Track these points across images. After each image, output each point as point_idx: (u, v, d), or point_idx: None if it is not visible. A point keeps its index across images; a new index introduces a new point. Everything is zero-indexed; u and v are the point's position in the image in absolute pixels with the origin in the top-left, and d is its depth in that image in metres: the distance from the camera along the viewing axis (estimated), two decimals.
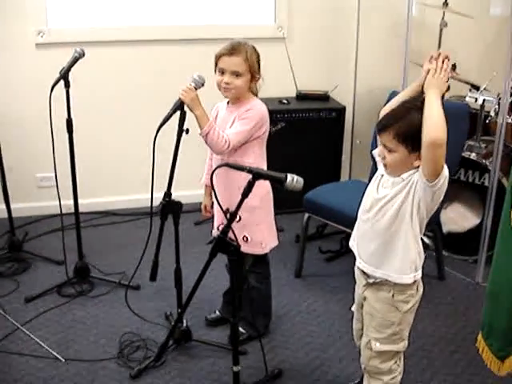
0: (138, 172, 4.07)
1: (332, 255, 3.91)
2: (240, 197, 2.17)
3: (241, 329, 3.04)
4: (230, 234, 2.20)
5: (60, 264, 3.69)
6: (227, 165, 2.22)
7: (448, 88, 2.18)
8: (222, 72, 2.70)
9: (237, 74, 2.68)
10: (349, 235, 2.48)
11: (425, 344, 3.06)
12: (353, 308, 2.56)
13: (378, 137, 2.20)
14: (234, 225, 2.71)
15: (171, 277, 2.93)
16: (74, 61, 3.17)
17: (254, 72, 2.70)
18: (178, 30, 4.33)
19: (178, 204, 2.73)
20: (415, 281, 2.28)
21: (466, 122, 3.40)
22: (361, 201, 2.36)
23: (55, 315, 3.26)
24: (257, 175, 2.12)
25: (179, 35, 4.31)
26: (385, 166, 2.20)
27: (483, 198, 3.67)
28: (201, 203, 3.12)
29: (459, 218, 3.86)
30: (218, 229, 2.90)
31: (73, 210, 3.49)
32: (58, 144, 3.24)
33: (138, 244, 2.97)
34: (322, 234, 4.14)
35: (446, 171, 2.08)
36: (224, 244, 2.19)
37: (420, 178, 2.10)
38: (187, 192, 4.51)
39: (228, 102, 2.84)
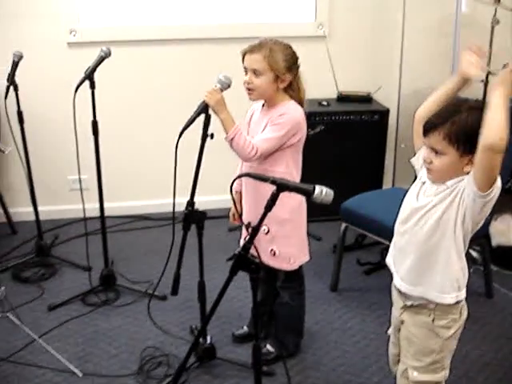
0: (170, 175, 3.91)
1: (371, 267, 3.68)
2: (271, 218, 1.99)
3: (270, 347, 2.86)
4: (253, 250, 2.01)
5: (88, 270, 3.56)
6: (248, 175, 2.02)
7: None
8: (246, 71, 2.52)
9: (256, 73, 2.50)
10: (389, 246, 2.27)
11: (468, 371, 2.80)
12: (389, 331, 2.34)
13: (423, 139, 1.98)
14: (262, 237, 2.54)
15: None
16: (100, 61, 3.05)
17: (277, 71, 2.49)
18: (208, 29, 4.16)
19: (202, 214, 2.55)
20: (458, 302, 2.05)
21: None
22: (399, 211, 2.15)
23: (77, 325, 3.13)
24: (281, 186, 1.92)
25: (210, 34, 4.15)
26: (430, 171, 1.99)
27: None
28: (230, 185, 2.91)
29: (509, 231, 3.58)
30: (244, 239, 2.70)
31: (108, 214, 3.39)
32: (89, 146, 3.15)
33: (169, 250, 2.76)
34: (361, 244, 3.91)
35: (499, 182, 1.87)
36: (245, 261, 2.00)
37: (469, 187, 1.88)
38: (224, 196, 4.38)
39: (263, 104, 2.64)
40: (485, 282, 3.39)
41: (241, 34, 3.92)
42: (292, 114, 2.52)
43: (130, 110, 4.21)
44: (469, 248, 3.51)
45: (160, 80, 4.18)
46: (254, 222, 2.52)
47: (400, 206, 2.16)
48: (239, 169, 2.77)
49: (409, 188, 2.15)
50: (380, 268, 3.69)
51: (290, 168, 2.59)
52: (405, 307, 2.14)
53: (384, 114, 4.15)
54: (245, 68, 2.54)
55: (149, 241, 4.04)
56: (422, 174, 2.06)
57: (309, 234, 2.81)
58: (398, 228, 2.13)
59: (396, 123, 4.34)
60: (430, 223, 1.98)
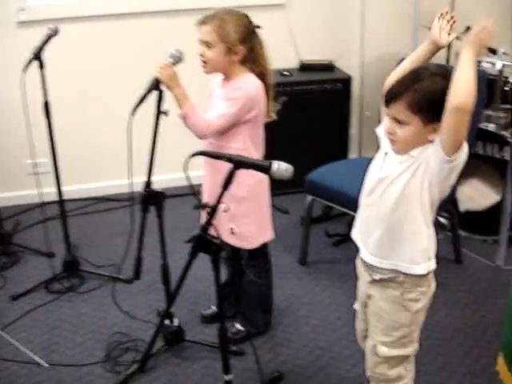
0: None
1: (340, 239, 3.63)
2: (229, 195, 1.93)
3: (239, 326, 2.80)
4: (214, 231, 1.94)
5: (51, 257, 3.46)
6: (203, 153, 1.94)
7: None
8: (200, 44, 2.43)
9: (208, 45, 2.40)
10: None
11: (440, 339, 2.78)
12: (355, 306, 2.29)
13: (384, 110, 1.92)
14: (222, 215, 2.47)
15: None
16: (47, 39, 2.93)
17: (228, 43, 2.39)
18: (160, 1, 4.01)
19: (161, 194, 2.46)
20: (429, 272, 2.01)
21: (483, 89, 3.07)
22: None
23: (41, 314, 3.03)
24: (238, 164, 1.85)
25: (162, 6, 4.00)
26: (393, 142, 1.92)
27: (503, 173, 3.37)
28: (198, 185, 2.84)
29: (477, 195, 3.55)
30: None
31: (68, 197, 3.26)
32: (44, 128, 3.04)
33: (133, 231, 2.72)
34: (329, 215, 3.85)
35: (465, 146, 1.82)
36: (204, 242, 1.93)
37: (435, 153, 1.82)
38: (192, 172, 4.28)
39: (223, 78, 2.55)
40: (454, 247, 3.37)
41: (195, 4, 3.79)
42: (246, 87, 2.43)
43: (83, 88, 4.05)
44: (437, 214, 3.50)
45: (112, 56, 4.03)
46: (214, 197, 2.47)
47: (363, 175, 2.11)
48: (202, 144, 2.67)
49: (373, 158, 2.09)
50: (348, 239, 3.57)
51: (248, 144, 2.50)
52: (372, 281, 2.08)
53: (347, 81, 4.08)
54: (199, 40, 2.44)
55: (112, 223, 3.94)
56: (385, 145, 2.00)
57: (276, 208, 2.75)
58: (363, 200, 2.07)
59: (359, 91, 4.26)
60: (395, 193, 1.93)
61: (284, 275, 3.28)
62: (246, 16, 2.47)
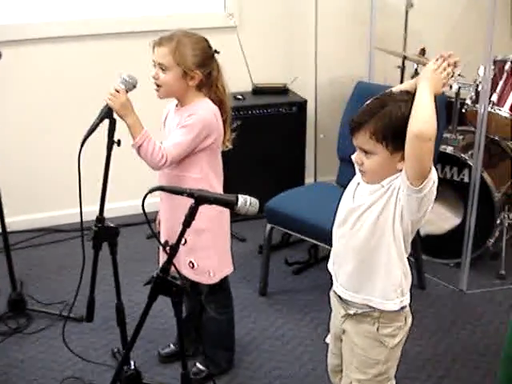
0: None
1: (300, 267, 3.53)
2: (199, 239, 1.79)
3: (200, 365, 2.65)
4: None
5: None
6: (162, 189, 1.79)
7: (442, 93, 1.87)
8: (154, 66, 2.30)
9: (162, 68, 2.27)
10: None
11: (409, 370, 2.69)
12: (327, 339, 2.17)
13: (353, 140, 1.83)
14: (181, 248, 2.33)
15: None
16: None
17: (184, 67, 2.26)
18: (111, 23, 3.85)
19: (114, 230, 2.30)
20: (402, 308, 1.92)
21: (444, 112, 3.05)
22: (331, 211, 2.00)
23: None
24: (200, 199, 1.71)
25: (114, 28, 3.84)
26: (362, 172, 1.84)
27: (463, 196, 3.34)
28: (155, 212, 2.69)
29: (437, 219, 3.50)
30: (164, 250, 2.48)
31: (12, 229, 3.04)
32: None
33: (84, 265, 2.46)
34: (287, 242, 3.74)
35: (434, 175, 1.73)
36: (165, 284, 1.78)
37: (403, 183, 1.74)
38: (137, 201, 4.11)
39: (177, 104, 2.41)
40: (417, 273, 3.29)
41: (147, 27, 3.67)
42: (201, 114, 2.30)
43: (29, 115, 3.85)
44: None
45: (60, 81, 3.84)
46: (173, 231, 2.33)
47: (330, 202, 2.02)
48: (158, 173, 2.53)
49: (339, 180, 2.00)
50: (309, 267, 3.55)
51: (206, 172, 2.37)
52: (347, 316, 1.98)
53: (302, 105, 4.00)
54: (153, 62, 2.31)
55: (60, 256, 3.72)
56: (358, 175, 1.90)
57: (232, 235, 2.63)
58: (335, 232, 1.97)
59: (314, 114, 4.19)
60: (366, 225, 1.84)
61: (244, 307, 3.14)
62: (205, 39, 2.35)
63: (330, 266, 2.04)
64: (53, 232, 4.00)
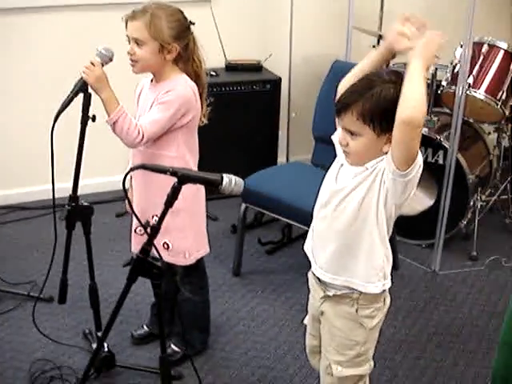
0: (47, 159, 3.53)
1: (273, 247, 3.49)
2: (163, 204, 1.72)
3: (174, 347, 2.60)
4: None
5: None
6: (144, 167, 1.72)
7: None
8: (128, 41, 2.21)
9: (138, 42, 2.19)
10: None
11: (385, 351, 2.69)
12: (305, 321, 2.15)
13: (337, 120, 1.79)
14: (152, 223, 2.28)
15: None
16: None
17: (161, 40, 2.17)
18: None
19: (88, 209, 2.22)
20: (384, 290, 1.90)
21: None
22: (309, 191, 2.00)
23: None
24: (183, 178, 1.66)
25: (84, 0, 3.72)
26: (347, 154, 1.80)
27: (436, 178, 3.34)
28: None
29: (411, 200, 3.48)
30: (135, 231, 2.42)
31: None
32: None
33: (52, 244, 2.38)
34: (260, 221, 3.71)
35: (420, 159, 1.70)
36: (145, 266, 1.72)
37: (388, 166, 1.70)
38: (108, 178, 4.04)
39: (152, 79, 2.33)
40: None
41: None
42: (179, 90, 2.22)
43: None
44: None
45: (32, 55, 3.70)
46: (147, 212, 2.27)
47: (302, 182, 1.98)
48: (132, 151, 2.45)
49: (313, 159, 1.95)
50: (282, 246, 3.52)
51: (182, 151, 2.31)
52: (326, 297, 1.95)
53: (276, 83, 3.93)
54: (127, 37, 2.22)
55: (28, 234, 3.62)
56: (340, 155, 1.86)
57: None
58: (317, 212, 1.93)
59: (288, 92, 4.13)
60: (350, 207, 1.80)
61: (218, 288, 3.11)
62: (180, 11, 2.27)
63: (308, 247, 2.00)
64: (20, 210, 3.89)
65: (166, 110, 2.20)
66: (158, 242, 2.31)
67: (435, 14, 4.30)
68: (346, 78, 1.88)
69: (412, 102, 1.61)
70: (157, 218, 2.29)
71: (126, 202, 1.83)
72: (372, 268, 1.85)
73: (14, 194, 3.94)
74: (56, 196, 2.23)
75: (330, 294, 1.93)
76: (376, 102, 1.69)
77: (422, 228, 3.48)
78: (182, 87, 2.23)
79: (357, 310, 1.90)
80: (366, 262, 1.84)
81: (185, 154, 2.32)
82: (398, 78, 1.73)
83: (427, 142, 3.35)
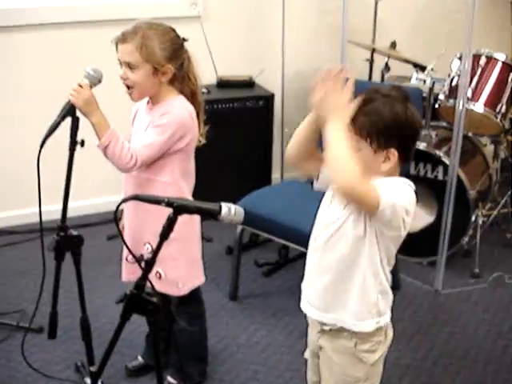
0: (34, 180, 3.42)
1: (270, 268, 3.39)
2: (155, 230, 1.63)
3: (171, 379, 2.49)
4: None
5: None
6: (137, 198, 1.62)
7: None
8: (121, 65, 2.11)
9: (130, 66, 2.08)
10: None
11: (390, 377, 2.58)
12: (306, 354, 2.03)
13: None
14: (146, 256, 2.17)
15: None
16: None
17: (154, 63, 2.07)
18: (70, 11, 3.63)
19: (78, 238, 2.11)
20: (379, 328, 1.79)
21: (419, 108, 2.94)
22: (307, 211, 1.94)
23: None
24: (179, 209, 1.55)
25: (72, 17, 3.62)
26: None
27: (436, 194, 3.26)
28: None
29: (413, 217, 3.41)
30: (126, 259, 2.31)
31: None
32: None
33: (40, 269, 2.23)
34: (256, 242, 3.60)
35: (389, 198, 1.59)
36: (139, 302, 1.62)
37: None
38: (97, 199, 3.94)
39: (148, 101, 2.22)
40: (391, 272, 3.19)
41: (107, 16, 3.49)
42: (176, 113, 2.12)
43: None
44: None
45: (18, 74, 3.61)
46: (139, 238, 2.17)
47: (300, 202, 1.92)
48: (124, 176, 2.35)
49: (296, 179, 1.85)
50: (279, 267, 3.41)
51: (176, 177, 2.20)
52: (322, 331, 1.84)
53: (269, 98, 3.86)
54: (118, 60, 2.12)
55: (15, 260, 3.49)
56: (331, 191, 1.77)
57: None
58: (310, 245, 1.83)
59: (281, 108, 4.05)
60: (341, 241, 1.70)
61: (215, 313, 2.99)
62: (172, 29, 2.17)
63: (303, 283, 1.90)
64: (7, 234, 3.76)
65: (161, 134, 2.10)
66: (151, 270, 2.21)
67: (428, 26, 4.26)
68: (292, 143, 1.77)
69: (337, 172, 1.55)
70: (149, 246, 2.21)
71: (118, 233, 1.72)
72: (364, 305, 1.74)
73: (0, 217, 3.82)
74: (44, 219, 2.12)
75: (327, 328, 1.82)
76: (373, 117, 1.61)
77: (423, 245, 3.38)
78: (178, 110, 2.14)
79: (355, 345, 1.79)
80: (357, 300, 1.73)
81: (178, 180, 2.21)
82: (398, 92, 1.67)
83: (426, 158, 3.27)
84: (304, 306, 1.86)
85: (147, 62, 2.06)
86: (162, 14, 3.24)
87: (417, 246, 3.39)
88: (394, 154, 1.63)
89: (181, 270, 2.27)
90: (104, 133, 2.03)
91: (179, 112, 2.12)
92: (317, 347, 1.89)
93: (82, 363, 2.59)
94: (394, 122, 1.61)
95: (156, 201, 1.56)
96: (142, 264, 1.61)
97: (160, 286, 2.21)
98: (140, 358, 2.62)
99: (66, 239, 2.08)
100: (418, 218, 3.40)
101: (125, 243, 1.72)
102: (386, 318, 1.80)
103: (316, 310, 1.81)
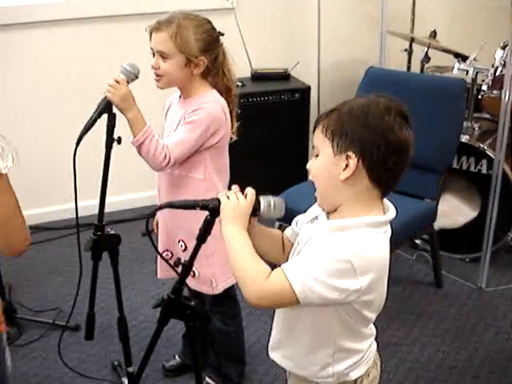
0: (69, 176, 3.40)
1: None
2: (189, 226, 1.59)
3: (209, 380, 2.44)
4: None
5: None
6: (171, 205, 1.54)
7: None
8: (153, 54, 2.05)
9: (163, 56, 2.03)
10: None
11: (435, 379, 2.50)
12: None
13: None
14: (182, 254, 2.13)
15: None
16: None
17: (187, 53, 2.01)
18: (104, 5, 3.59)
19: (115, 238, 2.07)
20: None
21: (463, 100, 2.84)
22: None
23: None
24: (215, 211, 1.49)
25: (107, 11, 3.59)
26: (313, 185, 1.52)
27: (479, 188, 3.14)
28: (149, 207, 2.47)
29: (452, 212, 3.31)
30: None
31: None
32: None
33: (77, 266, 2.17)
34: None
35: (353, 284, 1.32)
36: (177, 307, 1.56)
37: None
38: (130, 195, 3.91)
39: (180, 95, 2.17)
40: (434, 270, 3.10)
41: (141, 9, 3.44)
42: (208, 108, 2.05)
43: (20, 106, 3.59)
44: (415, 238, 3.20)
45: (53, 70, 3.59)
46: (173, 234, 2.11)
47: None
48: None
49: None
50: None
51: (209, 174, 2.14)
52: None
53: (305, 91, 3.77)
54: (151, 49, 2.07)
55: (51, 256, 3.49)
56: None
57: None
58: None
59: (317, 101, 3.96)
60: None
61: (252, 311, 2.92)
62: (208, 21, 2.11)
63: None
64: (43, 230, 3.76)
65: (194, 131, 2.04)
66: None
67: (468, 14, 4.12)
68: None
69: (241, 283, 1.37)
70: (182, 244, 2.16)
71: (151, 243, 1.64)
72: (312, 364, 1.52)
73: (36, 213, 3.82)
74: (79, 214, 2.08)
75: None
76: (341, 115, 1.39)
77: (466, 241, 3.28)
78: (210, 105, 2.07)
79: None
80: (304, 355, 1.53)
81: (212, 176, 2.15)
82: (388, 101, 1.41)
83: (469, 151, 3.15)
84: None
85: (181, 52, 2.00)
86: (195, 6, 3.15)
87: (459, 242, 3.32)
88: (353, 158, 1.36)
89: (214, 268, 2.20)
90: (140, 130, 1.98)
91: (211, 107, 2.06)
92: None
93: (118, 363, 2.56)
94: (361, 121, 1.37)
95: (190, 206, 1.49)
96: (179, 268, 1.54)
97: (194, 284, 2.17)
98: (177, 357, 2.58)
99: (103, 239, 2.04)
100: (460, 213, 3.30)
101: (158, 252, 1.64)
102: (362, 369, 1.54)
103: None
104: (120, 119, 2.03)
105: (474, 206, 3.25)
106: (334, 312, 1.42)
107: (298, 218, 1.64)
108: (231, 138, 2.25)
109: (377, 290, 1.40)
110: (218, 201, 1.49)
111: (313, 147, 1.46)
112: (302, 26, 3.93)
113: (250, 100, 3.69)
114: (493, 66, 3.18)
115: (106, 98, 1.97)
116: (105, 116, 2.00)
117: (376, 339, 1.59)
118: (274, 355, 1.63)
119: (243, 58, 3.76)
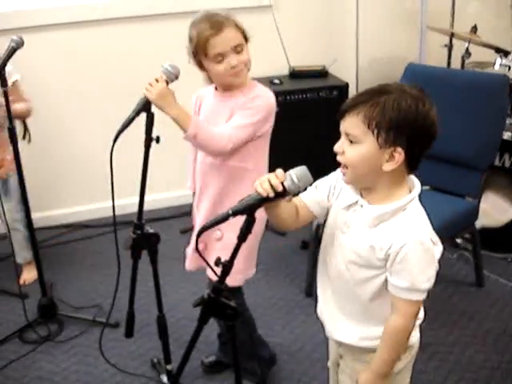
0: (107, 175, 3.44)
1: None
2: (235, 236, 1.56)
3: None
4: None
5: (23, 299, 2.98)
6: (204, 228, 1.53)
7: None
8: (222, 57, 2.02)
9: (238, 48, 2.03)
10: None
11: (476, 380, 2.45)
12: (329, 363, 1.88)
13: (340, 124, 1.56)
14: (213, 241, 2.14)
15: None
16: (11, 52, 2.51)
17: (247, 38, 2.07)
18: (142, 4, 3.63)
19: (154, 236, 2.08)
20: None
21: (505, 96, 2.78)
22: None
23: (16, 371, 2.62)
24: (248, 211, 1.49)
25: (145, 10, 3.62)
26: (343, 167, 1.55)
27: None
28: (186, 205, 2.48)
29: (493, 211, 3.24)
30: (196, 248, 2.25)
31: (38, 225, 2.92)
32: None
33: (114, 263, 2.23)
34: None
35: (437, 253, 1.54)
36: (217, 306, 1.56)
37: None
38: (166, 194, 3.93)
39: (216, 88, 2.16)
40: (475, 270, 3.04)
41: (178, 8, 3.46)
42: (267, 97, 2.10)
43: (56, 107, 3.64)
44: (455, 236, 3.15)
45: (91, 69, 3.63)
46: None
47: None
48: (191, 167, 2.29)
49: None
50: None
51: (257, 165, 2.14)
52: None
53: (343, 88, 3.74)
54: (218, 55, 2.02)
55: (90, 254, 3.53)
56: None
57: (271, 229, 2.36)
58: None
59: None
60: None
61: (290, 310, 2.93)
62: None
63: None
64: (81, 228, 3.81)
65: (253, 116, 2.04)
66: (214, 256, 2.14)
67: (507, 10, 4.03)
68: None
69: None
70: (219, 232, 2.14)
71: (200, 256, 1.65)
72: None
73: (75, 212, 3.88)
74: (117, 212, 2.11)
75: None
76: (387, 108, 1.42)
77: (507, 240, 3.21)
78: (268, 94, 2.12)
79: None
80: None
81: (260, 167, 2.15)
82: (419, 93, 1.47)
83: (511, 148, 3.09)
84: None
85: (245, 39, 2.06)
86: (233, 4, 3.18)
87: (501, 241, 3.25)
88: (400, 153, 1.44)
89: (240, 260, 2.19)
90: (187, 123, 1.97)
91: (269, 97, 2.11)
92: (337, 355, 1.77)
93: (158, 360, 2.58)
94: (410, 118, 1.42)
95: (222, 219, 1.49)
96: (218, 267, 1.54)
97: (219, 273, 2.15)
98: (215, 355, 2.58)
99: (142, 237, 2.05)
100: (502, 211, 3.24)
101: (206, 262, 1.63)
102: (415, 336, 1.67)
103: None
104: (158, 118, 2.05)
105: None
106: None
107: (318, 183, 1.70)
108: None
109: None
110: (249, 199, 1.49)
111: (345, 133, 1.51)
112: (340, 23, 3.90)
113: (288, 98, 3.69)
114: None
115: (144, 96, 1.99)
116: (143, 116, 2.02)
117: None
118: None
119: (281, 56, 3.77)
